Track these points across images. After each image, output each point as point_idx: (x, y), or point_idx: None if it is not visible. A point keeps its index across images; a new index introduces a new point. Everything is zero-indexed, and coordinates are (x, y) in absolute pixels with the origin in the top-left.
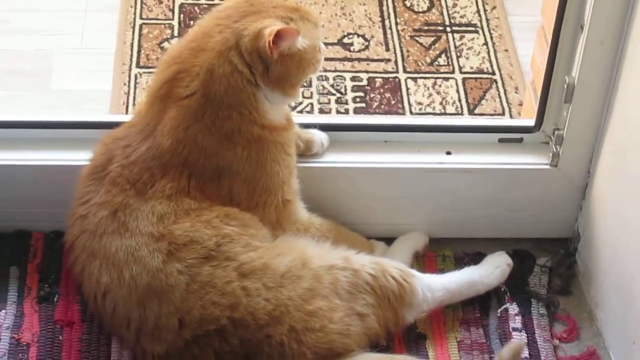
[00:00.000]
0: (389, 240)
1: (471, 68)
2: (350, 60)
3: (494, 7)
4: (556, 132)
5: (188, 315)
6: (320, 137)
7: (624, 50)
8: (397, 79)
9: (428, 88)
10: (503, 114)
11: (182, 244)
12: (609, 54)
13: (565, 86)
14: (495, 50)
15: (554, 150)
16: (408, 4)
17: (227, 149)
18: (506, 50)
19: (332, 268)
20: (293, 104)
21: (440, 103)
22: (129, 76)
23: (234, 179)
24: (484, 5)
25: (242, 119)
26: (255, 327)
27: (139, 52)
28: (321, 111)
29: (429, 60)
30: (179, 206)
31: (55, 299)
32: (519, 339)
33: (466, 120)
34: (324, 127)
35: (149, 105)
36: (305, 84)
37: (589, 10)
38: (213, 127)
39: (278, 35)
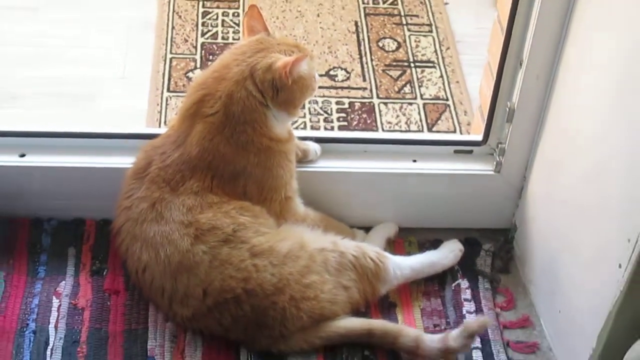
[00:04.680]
0: (367, 229)
1: (430, 95)
2: (335, 88)
3: (448, 48)
4: (499, 145)
5: (210, 286)
6: (314, 147)
7: (554, 83)
8: (372, 104)
9: (396, 110)
10: (455, 131)
11: (206, 229)
12: (542, 85)
13: (507, 109)
14: (449, 82)
15: (497, 159)
16: (380, 45)
17: (242, 156)
18: (457, 82)
19: (324, 250)
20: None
21: (406, 122)
22: (161, 99)
23: (247, 179)
24: (440, 47)
25: (254, 132)
26: (263, 296)
27: (169, 79)
28: (312, 128)
29: (397, 89)
30: (204, 200)
31: (105, 273)
32: (469, 307)
33: (428, 135)
34: (318, 140)
35: (180, 121)
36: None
37: (527, 51)
38: (231, 138)
39: (293, 65)
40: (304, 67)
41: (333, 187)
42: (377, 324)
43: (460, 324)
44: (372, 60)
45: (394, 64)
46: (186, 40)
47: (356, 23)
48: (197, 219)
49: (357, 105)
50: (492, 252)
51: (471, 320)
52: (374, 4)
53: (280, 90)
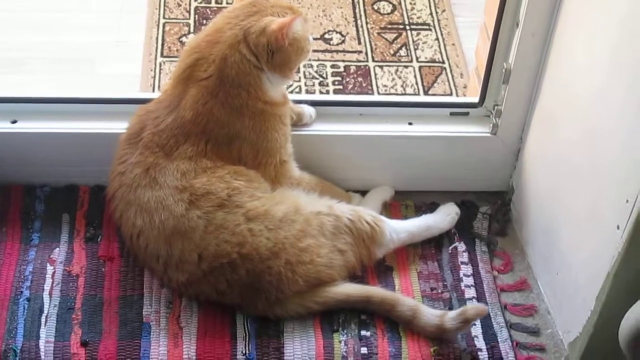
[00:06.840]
0: (363, 193)
1: (425, 58)
2: (330, 51)
3: (443, 10)
4: (495, 107)
5: (205, 250)
6: (309, 111)
7: (551, 42)
8: (367, 67)
9: (392, 74)
10: (451, 94)
11: (200, 194)
12: (539, 45)
13: (504, 70)
14: (444, 44)
15: (494, 121)
16: (375, 7)
17: (236, 119)
18: (453, 44)
19: (319, 214)
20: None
21: (401, 86)
22: (155, 64)
23: (242, 143)
24: (435, 9)
25: (249, 96)
26: (259, 260)
27: (162, 44)
28: (307, 92)
29: (392, 52)
30: (198, 165)
31: (99, 239)
32: (466, 271)
33: (424, 97)
34: (313, 103)
35: (173, 86)
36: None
37: (523, 10)
38: (226, 102)
39: (289, 26)
40: (299, 28)
41: (328, 150)
42: (375, 291)
43: (460, 307)
44: (367, 23)
45: (389, 26)
46: (179, 5)
47: None
48: (192, 184)
49: (353, 68)
50: (489, 214)
51: (470, 306)
52: None
53: (275, 52)
